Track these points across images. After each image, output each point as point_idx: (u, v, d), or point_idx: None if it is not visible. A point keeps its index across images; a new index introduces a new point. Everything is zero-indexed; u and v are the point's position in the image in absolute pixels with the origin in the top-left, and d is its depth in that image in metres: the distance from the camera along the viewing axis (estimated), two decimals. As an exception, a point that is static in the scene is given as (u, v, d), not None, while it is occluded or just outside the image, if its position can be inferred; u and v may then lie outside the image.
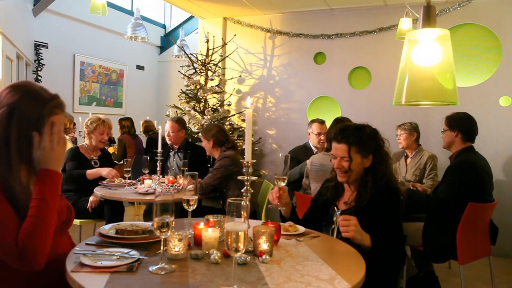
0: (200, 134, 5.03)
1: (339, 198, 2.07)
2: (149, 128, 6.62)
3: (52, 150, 1.39)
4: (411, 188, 3.32)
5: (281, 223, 1.84)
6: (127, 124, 6.14)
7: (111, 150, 5.69)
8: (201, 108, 5.30)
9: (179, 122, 3.94)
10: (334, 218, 1.96)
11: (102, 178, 3.37)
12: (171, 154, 3.99)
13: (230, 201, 1.21)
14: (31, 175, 1.41)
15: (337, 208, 1.99)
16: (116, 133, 6.03)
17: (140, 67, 8.80)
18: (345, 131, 1.98)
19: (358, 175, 1.97)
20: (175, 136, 3.88)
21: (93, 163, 3.53)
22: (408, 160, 3.82)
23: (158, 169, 3.34)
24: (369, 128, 2.01)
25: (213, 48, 5.38)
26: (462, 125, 2.99)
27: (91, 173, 3.40)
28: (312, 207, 2.22)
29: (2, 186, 1.33)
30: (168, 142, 3.92)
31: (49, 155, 1.38)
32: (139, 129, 6.65)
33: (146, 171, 3.36)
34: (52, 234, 1.36)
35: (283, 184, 1.90)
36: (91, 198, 3.24)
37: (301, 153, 4.03)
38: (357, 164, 1.94)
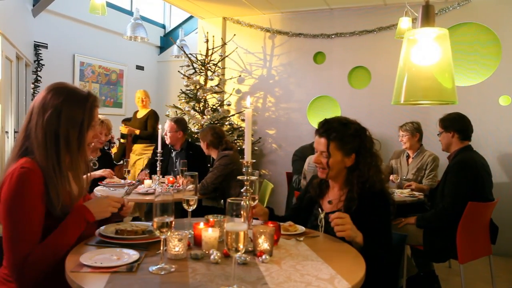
0: (199, 134, 5.07)
1: (323, 196, 1.99)
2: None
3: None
4: (407, 190, 3.33)
5: (281, 223, 1.84)
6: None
7: (113, 150, 5.67)
8: (201, 108, 5.30)
9: (177, 122, 3.93)
10: (319, 221, 1.90)
11: (100, 179, 3.36)
12: (173, 155, 3.98)
13: (229, 201, 1.22)
14: (72, 165, 1.58)
15: (321, 209, 1.93)
16: (117, 133, 6.01)
17: (139, 67, 8.80)
18: (328, 125, 1.88)
19: (340, 174, 1.89)
20: (171, 136, 3.89)
21: (91, 164, 3.52)
22: (410, 160, 3.79)
23: (158, 169, 3.34)
24: (356, 125, 1.88)
25: (213, 48, 5.38)
26: (457, 125, 3.00)
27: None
28: (297, 204, 2.16)
29: (44, 179, 1.47)
30: (166, 141, 3.93)
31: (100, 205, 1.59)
32: None
33: (147, 171, 3.36)
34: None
35: (253, 203, 1.79)
36: None
37: (308, 152, 4.05)
38: (336, 162, 1.84)
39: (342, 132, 1.85)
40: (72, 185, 1.57)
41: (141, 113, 5.58)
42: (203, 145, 3.71)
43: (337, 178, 1.92)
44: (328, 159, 1.85)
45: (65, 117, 1.52)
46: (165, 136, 3.89)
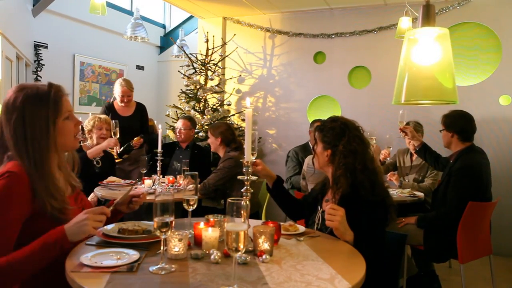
0: (202, 133, 5.06)
1: (324, 194, 2.04)
2: (152, 129, 6.55)
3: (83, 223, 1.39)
4: (407, 190, 3.35)
5: (281, 223, 1.84)
6: None
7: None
8: (201, 108, 5.30)
9: (191, 120, 4.05)
10: (316, 218, 1.97)
11: (101, 179, 3.36)
12: (178, 152, 4.03)
13: (230, 201, 1.22)
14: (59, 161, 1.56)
15: (320, 207, 2.00)
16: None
17: (140, 67, 8.79)
18: (326, 119, 2.03)
19: (326, 168, 1.96)
20: (186, 133, 3.96)
21: (95, 163, 3.53)
22: (413, 158, 3.79)
23: (158, 169, 3.34)
24: (339, 124, 1.91)
25: (213, 48, 5.38)
26: (458, 125, 2.96)
27: (91, 151, 3.41)
28: (302, 200, 2.24)
29: (28, 181, 1.42)
30: (178, 139, 3.99)
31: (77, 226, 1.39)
32: None
33: (144, 171, 3.35)
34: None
35: (252, 159, 1.77)
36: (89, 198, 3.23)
37: (301, 153, 4.10)
38: (320, 152, 1.95)
39: (325, 124, 1.96)
40: (62, 181, 1.55)
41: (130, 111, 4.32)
42: (214, 140, 3.56)
43: (328, 173, 1.98)
44: (314, 145, 2.00)
45: (29, 119, 1.47)
46: (178, 133, 3.97)
